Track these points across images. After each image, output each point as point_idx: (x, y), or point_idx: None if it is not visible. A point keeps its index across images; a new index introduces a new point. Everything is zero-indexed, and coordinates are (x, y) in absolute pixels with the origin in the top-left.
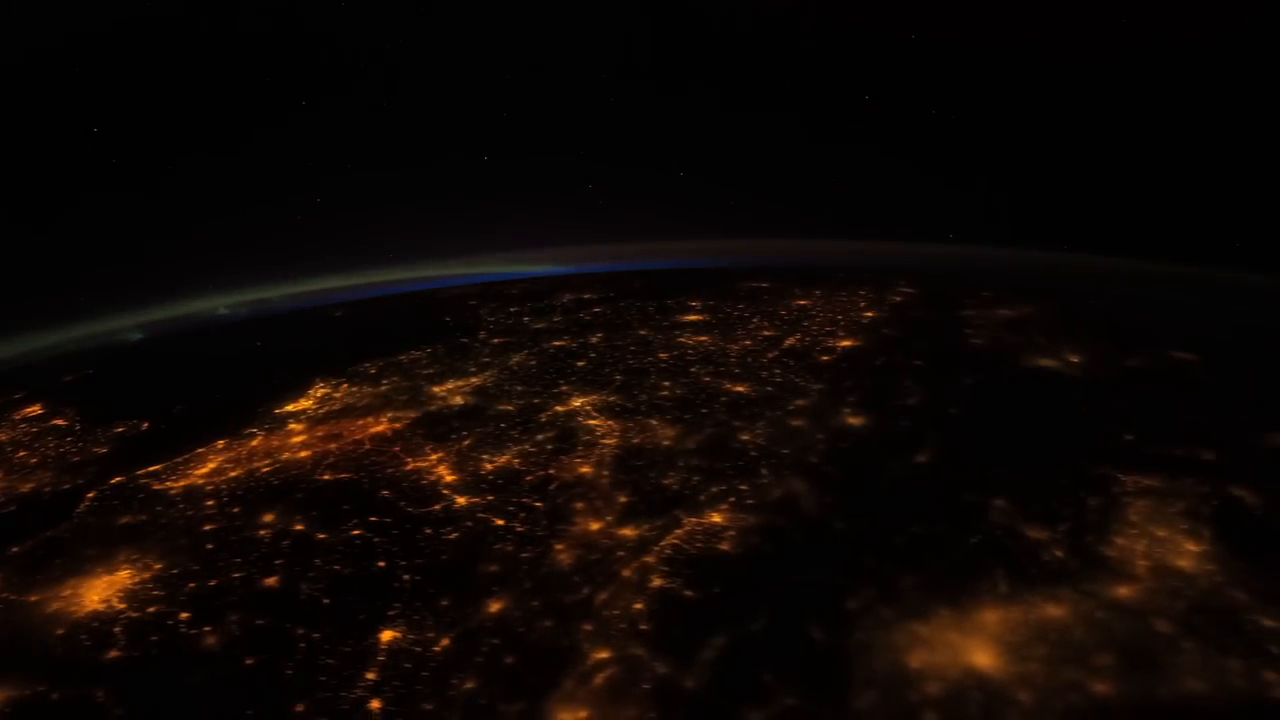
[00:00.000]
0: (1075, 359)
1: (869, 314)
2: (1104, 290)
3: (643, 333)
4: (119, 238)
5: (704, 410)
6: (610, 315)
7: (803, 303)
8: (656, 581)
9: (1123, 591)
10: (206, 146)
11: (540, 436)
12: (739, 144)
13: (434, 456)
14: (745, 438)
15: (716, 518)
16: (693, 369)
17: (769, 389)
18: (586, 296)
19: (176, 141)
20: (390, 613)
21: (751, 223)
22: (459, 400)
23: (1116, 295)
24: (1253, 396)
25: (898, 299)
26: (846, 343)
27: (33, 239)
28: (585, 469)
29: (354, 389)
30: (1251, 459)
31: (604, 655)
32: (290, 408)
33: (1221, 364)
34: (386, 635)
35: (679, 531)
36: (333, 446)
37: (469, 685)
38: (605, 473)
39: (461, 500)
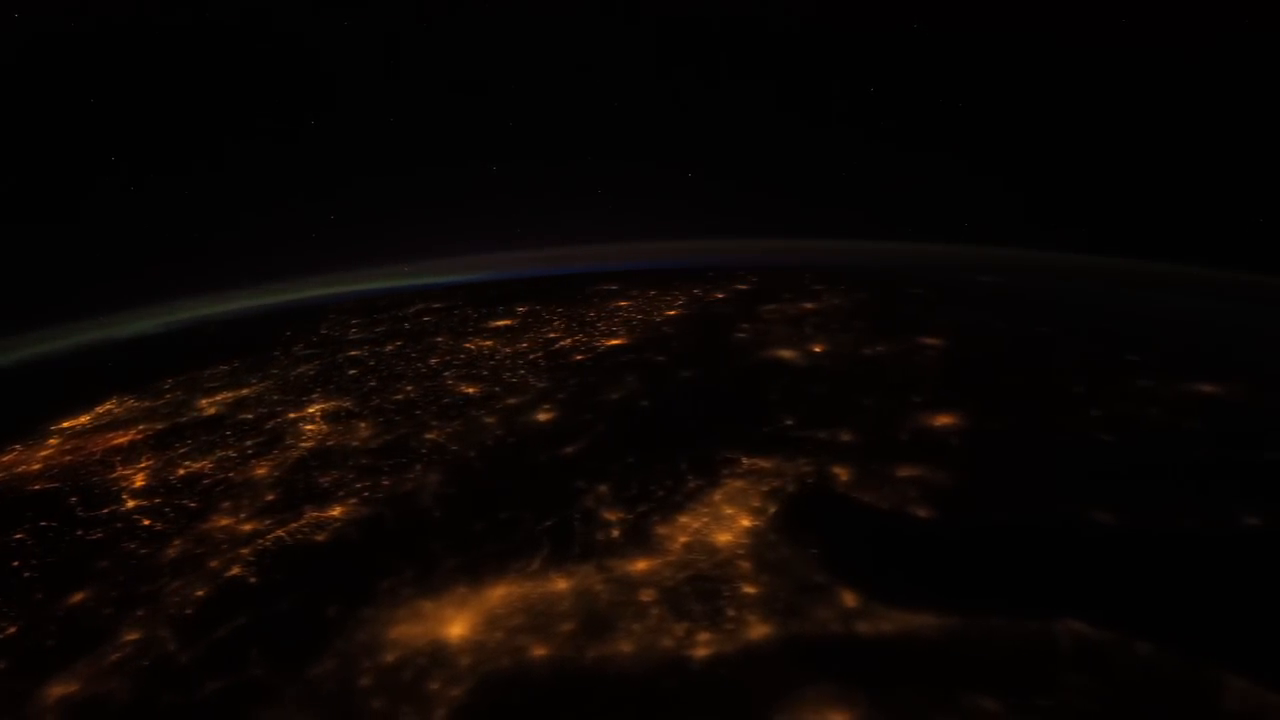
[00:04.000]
0: (818, 349)
1: (671, 312)
2: (963, 281)
3: (439, 339)
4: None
5: (417, 412)
6: (429, 324)
7: (622, 303)
8: (234, 571)
9: (640, 565)
10: (218, 155)
11: (249, 442)
12: (742, 144)
13: (143, 464)
14: (430, 436)
15: (336, 511)
16: (447, 373)
17: (497, 389)
18: (435, 305)
19: (189, 151)
20: None
21: (756, 223)
22: (211, 411)
23: (962, 285)
24: (954, 381)
25: (720, 295)
26: (615, 341)
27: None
28: (261, 470)
29: (136, 404)
30: (884, 441)
31: (133, 637)
32: (66, 424)
33: (961, 350)
34: None
35: (293, 525)
36: (68, 459)
37: (1, 667)
38: (276, 473)
39: (131, 503)
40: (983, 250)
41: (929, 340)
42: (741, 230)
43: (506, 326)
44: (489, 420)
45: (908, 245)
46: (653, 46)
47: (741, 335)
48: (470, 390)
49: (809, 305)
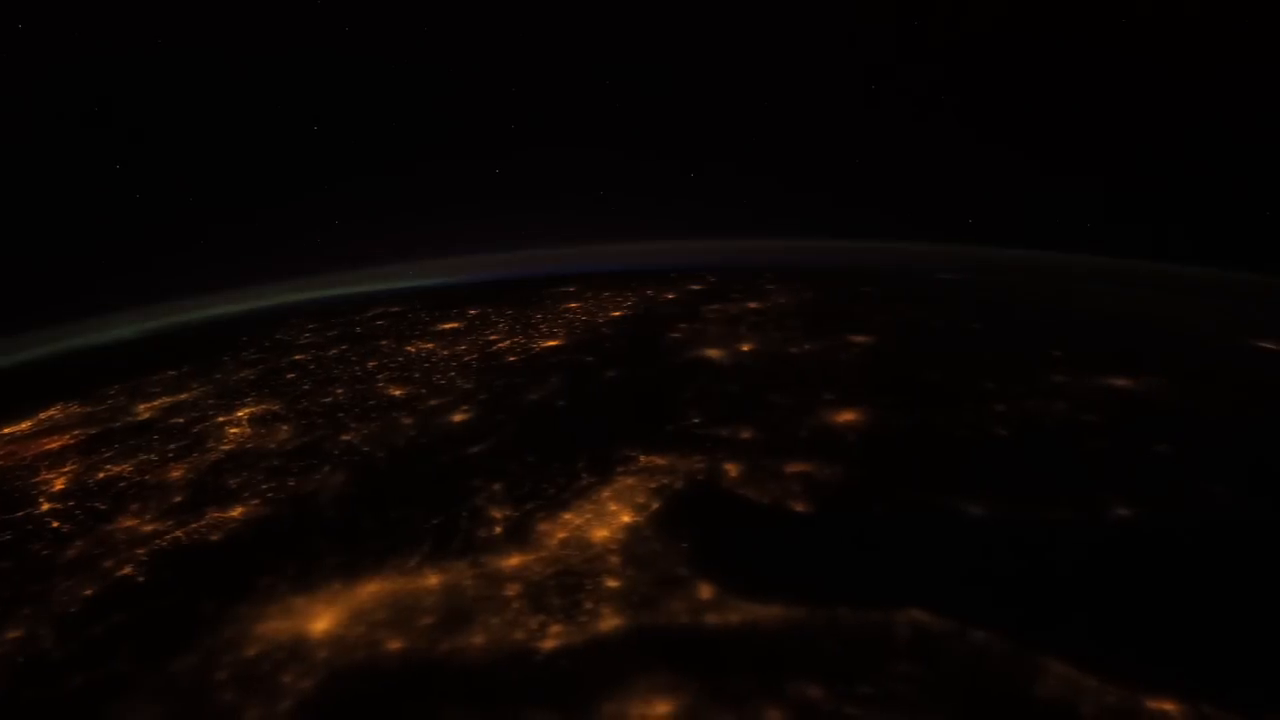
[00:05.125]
0: (746, 348)
1: (616, 313)
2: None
3: (383, 343)
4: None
5: (340, 414)
6: (380, 327)
7: (572, 305)
8: (125, 570)
9: (513, 561)
10: (231, 160)
11: (172, 445)
12: (744, 145)
13: (67, 468)
14: (346, 438)
15: (237, 512)
16: (380, 376)
17: (423, 391)
18: (393, 309)
19: (193, 159)
20: None
21: (758, 224)
22: (146, 415)
23: (921, 282)
24: (868, 379)
25: (670, 296)
26: (551, 343)
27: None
28: (176, 473)
29: (79, 409)
30: (783, 438)
31: (15, 634)
32: (7, 429)
33: (886, 347)
34: None
35: (193, 525)
36: (1, 463)
37: None
38: (190, 476)
39: (45, 506)
40: (983, 250)
41: (857, 338)
42: (744, 231)
43: (452, 329)
44: (406, 421)
45: (905, 245)
46: (653, 48)
47: (676, 335)
48: (397, 393)
49: (754, 304)
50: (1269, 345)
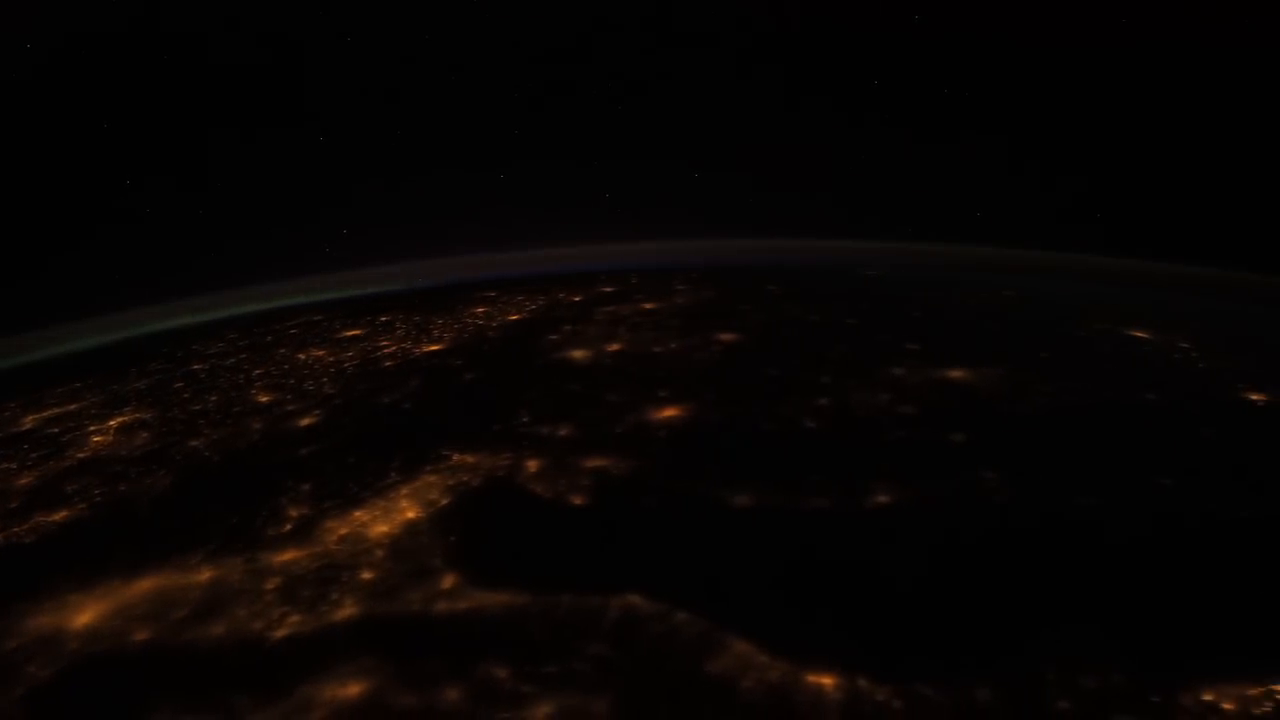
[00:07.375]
0: (614, 348)
1: (514, 316)
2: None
3: (281, 351)
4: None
5: (200, 421)
6: (292, 336)
7: (478, 309)
8: None
9: (286, 556)
10: (238, 166)
11: (34, 455)
12: (750, 143)
13: None
14: (193, 443)
15: (60, 515)
16: (256, 384)
17: (288, 397)
18: (316, 318)
19: (202, 170)
20: None
21: (758, 223)
22: (28, 425)
23: (836, 280)
24: (710, 376)
25: (576, 298)
26: (432, 347)
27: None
28: (25, 480)
29: None
30: (597, 435)
31: None
32: None
33: (747, 345)
34: None
35: (16, 528)
36: None
37: None
38: (35, 483)
39: None
40: (981, 250)
41: (725, 336)
42: (744, 230)
43: (352, 336)
44: (255, 426)
45: (905, 245)
46: (654, 48)
47: (554, 338)
48: (264, 399)
49: (649, 305)
50: (1140, 334)
